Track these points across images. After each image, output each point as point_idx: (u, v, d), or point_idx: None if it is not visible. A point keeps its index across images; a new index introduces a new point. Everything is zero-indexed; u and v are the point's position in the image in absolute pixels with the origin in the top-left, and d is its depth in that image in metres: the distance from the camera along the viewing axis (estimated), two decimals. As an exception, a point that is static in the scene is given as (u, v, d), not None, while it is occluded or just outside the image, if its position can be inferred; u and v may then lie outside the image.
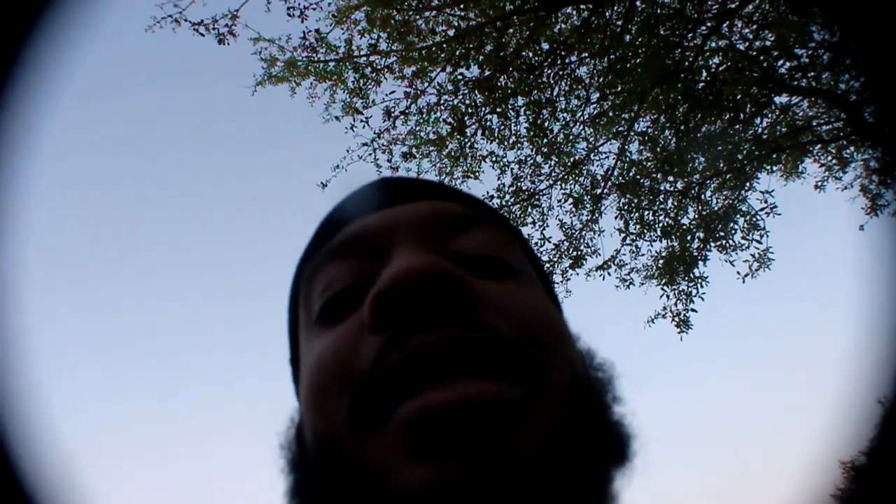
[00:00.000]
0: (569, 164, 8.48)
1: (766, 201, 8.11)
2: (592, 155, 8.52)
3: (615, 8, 7.57)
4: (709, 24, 7.65)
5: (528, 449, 0.43)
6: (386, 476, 0.43)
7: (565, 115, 8.24)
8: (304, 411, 0.53)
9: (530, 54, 7.71)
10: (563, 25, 7.96)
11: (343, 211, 0.65)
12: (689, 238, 8.48)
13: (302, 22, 7.64)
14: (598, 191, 8.53)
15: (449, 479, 0.41)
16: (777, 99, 8.29)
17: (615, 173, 8.45)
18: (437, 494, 0.41)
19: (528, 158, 8.32)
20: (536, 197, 8.52)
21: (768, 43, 7.71)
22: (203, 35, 7.42)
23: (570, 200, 8.55)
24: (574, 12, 7.87)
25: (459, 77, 7.75)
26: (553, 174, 8.52)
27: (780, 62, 7.78)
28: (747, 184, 8.46)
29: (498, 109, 7.78)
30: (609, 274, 8.72)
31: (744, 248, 8.23)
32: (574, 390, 0.50)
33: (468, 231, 0.59)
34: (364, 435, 0.45)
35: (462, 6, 7.70)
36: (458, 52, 7.64)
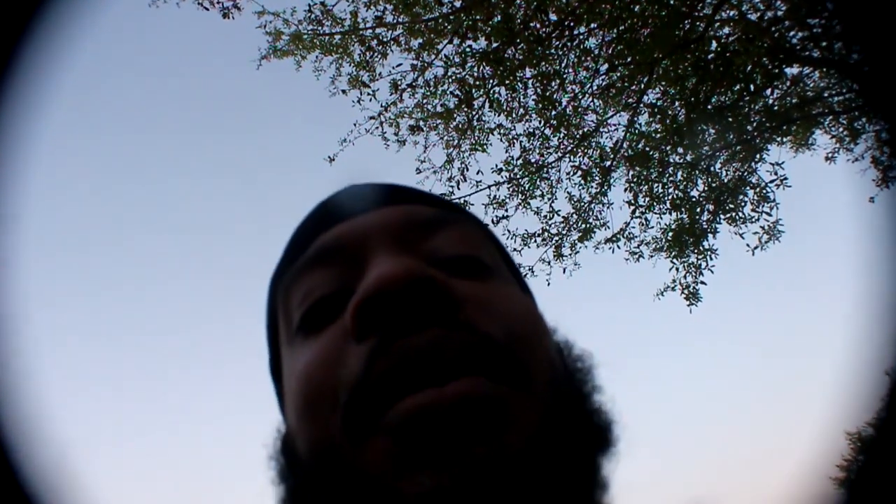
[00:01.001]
0: (577, 136, 8.43)
1: (776, 173, 8.06)
2: (601, 127, 8.46)
3: (624, -23, 7.47)
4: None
5: (516, 445, 0.44)
6: (384, 484, 0.44)
7: (574, 86, 8.17)
8: (295, 422, 0.53)
9: (538, 25, 7.62)
10: (571, -4, 7.87)
11: (315, 221, 0.66)
12: (698, 210, 8.43)
13: (307, -6, 7.57)
14: (608, 163, 8.48)
15: (446, 485, 0.42)
16: (788, 70, 8.20)
17: (624, 145, 8.39)
18: (435, 501, 0.42)
19: (537, 131, 8.28)
20: (545, 169, 8.48)
21: (780, 13, 7.61)
22: (207, 9, 7.37)
23: (579, 173, 8.51)
24: (583, -18, 7.77)
25: (467, 49, 7.68)
26: (562, 147, 8.48)
27: (792, 32, 7.68)
28: (757, 156, 8.39)
29: (506, 82, 7.71)
30: (618, 247, 8.70)
31: (754, 220, 8.19)
32: (554, 384, 0.51)
33: (440, 232, 0.60)
34: (360, 442, 0.46)
35: (469, -23, 7.62)
36: (465, 24, 7.57)
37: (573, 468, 0.48)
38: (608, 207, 8.70)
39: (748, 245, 8.16)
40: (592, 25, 7.80)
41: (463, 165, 8.31)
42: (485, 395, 0.44)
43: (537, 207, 8.56)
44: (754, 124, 8.12)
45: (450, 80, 7.93)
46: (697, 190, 8.57)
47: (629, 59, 7.56)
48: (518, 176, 8.36)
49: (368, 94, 8.08)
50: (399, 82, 7.99)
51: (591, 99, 8.33)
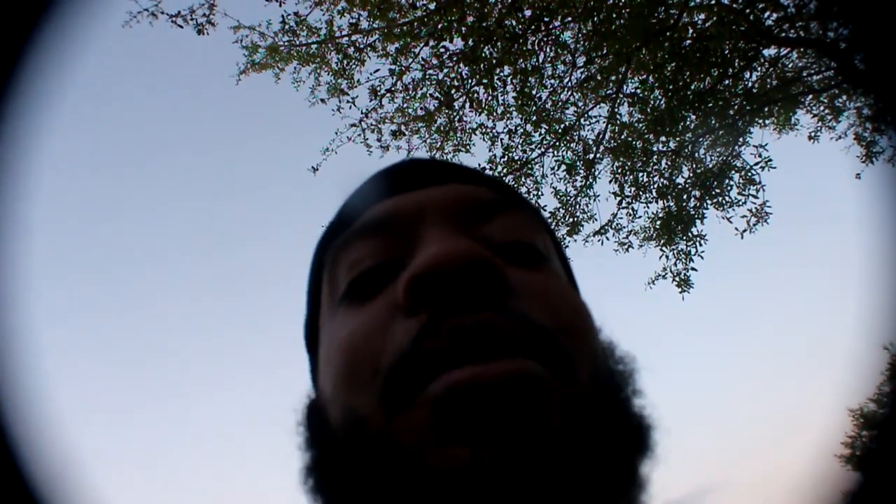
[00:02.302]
0: (559, 130, 8.43)
1: (760, 155, 8.09)
2: (582, 120, 8.48)
3: (596, -31, 7.48)
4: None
5: (558, 429, 0.43)
6: (418, 456, 0.43)
7: (552, 81, 8.19)
8: (330, 389, 0.53)
9: (513, 22, 7.63)
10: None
11: (370, 190, 0.65)
12: (685, 197, 8.46)
13: (280, 6, 7.57)
14: (591, 156, 8.50)
15: (486, 461, 0.41)
16: (765, 51, 8.24)
17: (606, 137, 8.42)
18: (473, 475, 0.41)
19: (518, 128, 8.28)
20: (529, 166, 8.48)
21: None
22: (181, 27, 7.34)
23: (563, 167, 8.51)
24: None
25: (443, 50, 7.68)
26: (544, 142, 8.48)
27: (767, 14, 7.71)
28: (740, 139, 8.43)
29: (484, 81, 7.72)
30: (607, 238, 8.71)
31: (741, 203, 8.22)
32: (598, 378, 0.50)
33: (498, 216, 0.59)
34: (396, 413, 0.45)
35: (441, -22, 7.62)
36: (440, 26, 7.57)
37: (611, 463, 0.47)
38: (594, 200, 8.71)
39: (737, 229, 8.19)
40: (567, 19, 7.82)
41: (447, 167, 8.29)
42: (531, 375, 0.43)
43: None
44: (735, 108, 8.16)
45: (429, 82, 7.93)
46: (683, 177, 8.61)
47: (606, 51, 7.58)
48: (502, 174, 8.36)
49: (348, 101, 8.09)
50: (378, 88, 7.98)
51: (570, 92, 8.35)
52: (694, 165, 8.58)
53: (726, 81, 8.02)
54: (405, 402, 0.45)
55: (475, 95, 7.91)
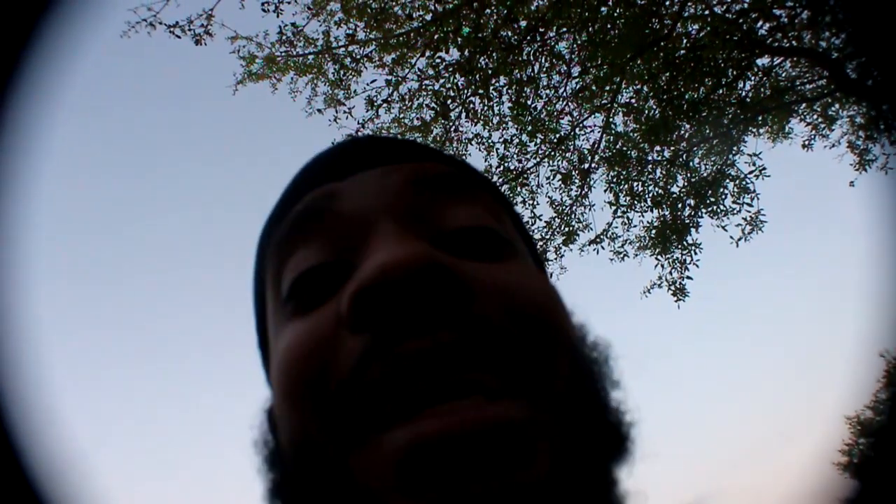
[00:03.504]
0: (555, 140, 8.46)
1: (754, 164, 8.13)
2: (577, 130, 8.50)
3: (591, -20, 7.53)
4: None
5: (534, 477, 0.38)
6: (377, 501, 0.39)
7: (548, 91, 8.21)
8: (277, 407, 0.49)
9: (509, 33, 7.66)
10: (539, 2, 7.91)
11: (309, 174, 0.58)
12: (679, 206, 8.48)
13: (277, 17, 7.58)
14: (586, 165, 8.52)
15: None
16: (759, 61, 8.28)
17: (601, 146, 8.44)
18: None
19: (514, 138, 8.30)
20: (524, 176, 8.50)
21: (746, 4, 7.69)
22: (179, 37, 7.35)
23: (559, 177, 8.54)
24: (550, -13, 7.82)
25: (439, 61, 7.70)
26: (540, 152, 8.50)
27: (760, 24, 7.76)
28: (735, 148, 8.46)
29: (480, 91, 7.73)
30: (602, 248, 8.73)
31: (735, 212, 8.25)
32: (575, 380, 0.46)
33: (453, 196, 0.53)
34: (349, 450, 0.41)
35: (438, -11, 7.65)
36: (436, 37, 7.59)
37: (593, 484, 0.44)
38: (590, 209, 8.73)
39: (732, 237, 8.21)
40: (562, 30, 7.85)
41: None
42: (499, 419, 0.39)
43: (519, 214, 8.56)
44: (729, 117, 8.19)
45: (425, 93, 7.95)
46: (677, 186, 8.64)
47: (600, 61, 7.61)
48: (498, 184, 8.38)
49: (345, 111, 8.09)
50: (375, 98, 7.99)
51: (565, 103, 8.38)
52: (688, 174, 8.61)
53: (720, 91, 8.05)
54: (358, 438, 0.41)
55: (471, 106, 7.92)
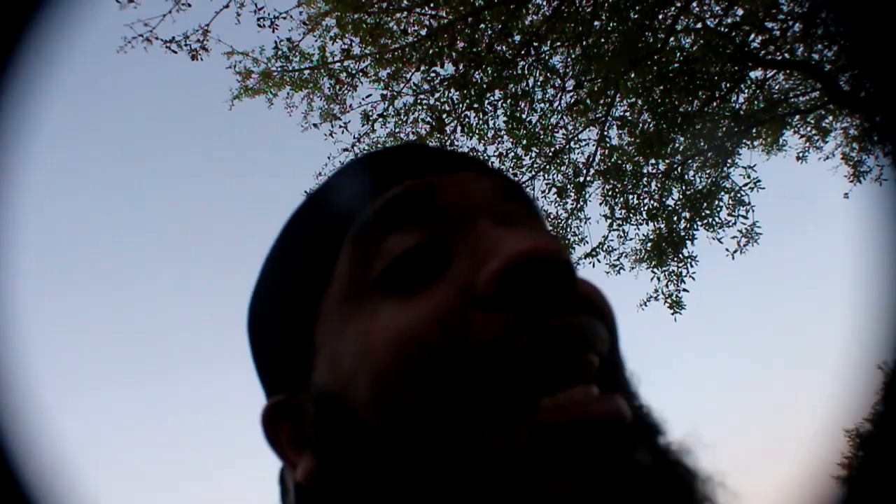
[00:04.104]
0: (549, 153, 8.49)
1: (749, 176, 8.15)
2: (572, 143, 8.53)
3: (584, -5, 7.58)
4: (678, 4, 7.67)
5: (647, 464, 0.43)
6: (520, 481, 0.41)
7: (542, 105, 8.23)
8: (374, 385, 0.46)
9: (503, 48, 7.70)
10: (534, 17, 7.96)
11: (398, 164, 0.58)
12: (675, 219, 8.50)
13: (273, 32, 7.61)
14: (581, 178, 8.54)
15: (586, 498, 0.40)
16: (752, 74, 8.34)
17: (596, 160, 8.47)
18: None
19: (509, 151, 8.32)
20: (520, 189, 8.50)
21: (738, 18, 7.75)
22: (175, 52, 7.37)
23: (554, 190, 8.55)
24: (544, 3, 7.87)
25: (434, 76, 7.74)
26: (535, 165, 8.52)
27: (752, 36, 7.82)
28: (729, 160, 8.49)
29: (475, 105, 7.76)
30: (598, 261, 8.73)
31: (730, 224, 8.27)
32: (628, 380, 0.51)
33: (529, 211, 0.58)
34: (488, 424, 0.42)
35: (432, 5, 7.69)
36: (431, 52, 7.63)
37: (680, 476, 0.47)
38: (585, 222, 8.75)
39: (727, 249, 8.23)
40: (556, 44, 7.90)
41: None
42: (627, 416, 0.43)
43: None
44: (723, 129, 8.23)
45: (420, 107, 7.97)
46: (673, 198, 8.65)
47: (594, 75, 7.65)
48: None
49: (341, 126, 8.11)
50: (370, 113, 8.01)
51: (559, 116, 8.41)
52: (683, 187, 8.64)
53: (714, 104, 8.10)
54: (503, 413, 0.43)
55: (466, 120, 7.95)
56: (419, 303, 0.47)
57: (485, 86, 7.71)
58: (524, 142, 8.21)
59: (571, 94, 8.18)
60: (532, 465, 0.41)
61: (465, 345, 0.44)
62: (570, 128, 8.53)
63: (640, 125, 8.09)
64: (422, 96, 7.93)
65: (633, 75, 7.56)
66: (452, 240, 0.51)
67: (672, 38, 7.65)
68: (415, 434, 0.44)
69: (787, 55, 8.05)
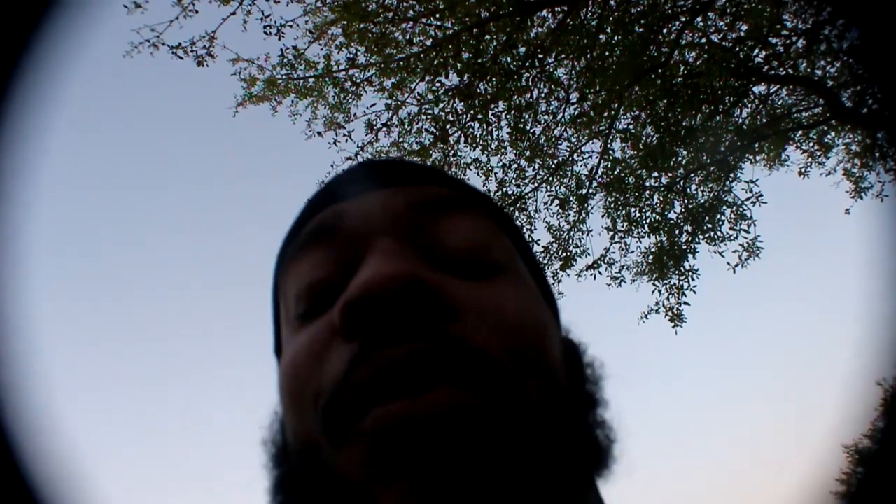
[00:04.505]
0: (553, 165, 8.49)
1: (751, 191, 8.15)
2: (575, 155, 8.53)
3: (589, 8, 7.60)
4: (683, 19, 7.69)
5: (494, 460, 0.42)
6: (361, 491, 0.43)
7: (546, 117, 8.25)
8: (283, 411, 0.53)
9: (508, 59, 7.72)
10: (539, 29, 7.98)
11: (320, 197, 0.62)
12: (677, 232, 8.49)
13: (279, 39, 7.63)
14: (584, 190, 8.54)
15: (422, 497, 0.41)
16: (755, 88, 8.35)
17: (599, 172, 8.47)
18: None
19: (512, 163, 8.33)
20: (522, 200, 8.52)
21: (742, 33, 7.77)
22: (181, 58, 7.40)
23: (557, 202, 8.56)
24: (549, 15, 7.89)
25: (439, 86, 7.76)
26: (538, 177, 8.53)
27: (756, 52, 7.84)
28: (731, 174, 8.49)
29: (479, 116, 7.78)
30: (600, 273, 8.72)
31: (732, 238, 8.26)
32: (550, 398, 0.48)
33: (451, 217, 0.56)
34: (337, 445, 0.45)
35: (438, 16, 7.71)
36: (436, 62, 7.65)
37: (559, 487, 0.46)
38: (587, 234, 8.74)
39: (729, 263, 8.22)
40: (561, 57, 7.92)
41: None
42: (462, 406, 0.43)
43: (521, 231, 8.55)
44: (726, 144, 8.23)
45: (424, 117, 7.99)
46: (675, 212, 8.64)
47: (598, 88, 7.67)
48: (497, 208, 8.37)
49: (344, 135, 8.12)
50: (374, 122, 8.03)
51: (563, 128, 8.41)
52: (686, 200, 8.63)
53: (717, 118, 8.11)
54: (344, 434, 0.45)
55: (470, 130, 7.96)
56: (307, 334, 0.52)
57: (489, 97, 7.73)
58: (527, 153, 8.22)
59: (575, 106, 8.20)
60: (369, 473, 0.43)
61: (323, 377, 0.48)
62: (573, 140, 8.54)
63: (644, 138, 8.10)
64: (426, 106, 7.95)
65: (636, 89, 7.57)
66: (356, 266, 0.52)
67: (676, 53, 7.67)
68: (298, 455, 0.50)
69: (790, 71, 8.07)
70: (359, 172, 0.64)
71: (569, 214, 8.63)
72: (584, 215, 8.64)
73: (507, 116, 8.00)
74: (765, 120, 8.70)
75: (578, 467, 0.50)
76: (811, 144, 9.21)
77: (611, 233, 8.60)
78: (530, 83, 7.93)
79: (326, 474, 0.46)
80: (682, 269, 8.32)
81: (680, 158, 8.33)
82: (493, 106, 7.84)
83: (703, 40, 7.80)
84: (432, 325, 0.46)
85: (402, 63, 7.87)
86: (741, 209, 8.27)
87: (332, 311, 0.51)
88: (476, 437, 0.42)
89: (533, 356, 0.49)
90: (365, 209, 0.56)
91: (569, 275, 8.64)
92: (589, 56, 7.61)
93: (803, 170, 9.32)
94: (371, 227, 0.54)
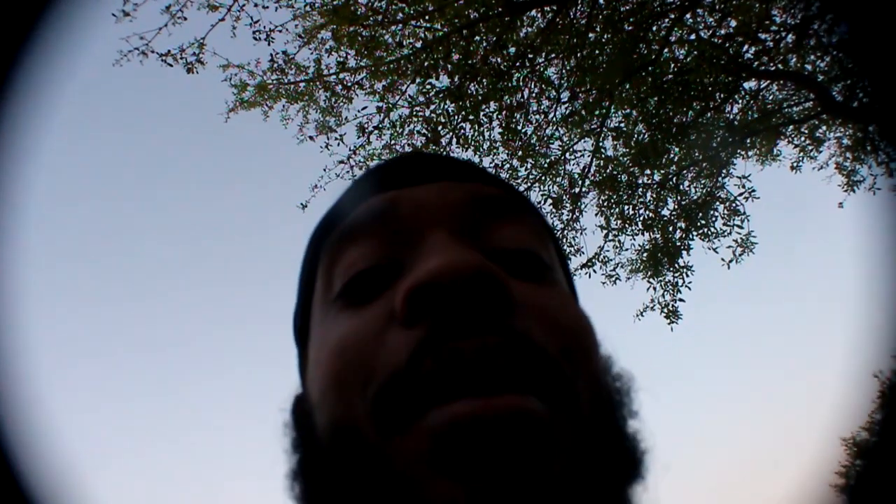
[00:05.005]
0: (545, 165, 8.50)
1: (743, 186, 8.18)
2: (568, 154, 8.55)
3: (579, 7, 7.62)
4: (672, 16, 7.71)
5: (555, 468, 0.42)
6: (411, 484, 0.42)
7: (537, 116, 8.26)
8: (318, 393, 0.51)
9: (498, 60, 7.73)
10: (528, 29, 7.99)
11: (370, 182, 0.61)
12: (670, 229, 8.51)
13: (269, 45, 7.63)
14: (577, 189, 8.56)
15: (478, 500, 0.40)
16: (746, 84, 8.38)
17: (592, 170, 8.48)
18: None
19: (505, 163, 8.33)
20: (516, 200, 8.51)
21: (732, 29, 7.79)
22: (171, 65, 7.39)
23: (550, 201, 8.57)
24: (538, 15, 7.90)
25: (430, 88, 7.76)
26: (530, 176, 8.54)
27: (746, 47, 7.86)
28: (724, 170, 8.52)
29: (470, 117, 7.79)
30: (595, 271, 8.73)
31: (726, 234, 8.28)
32: (597, 407, 0.49)
33: (505, 219, 0.56)
34: (390, 435, 0.44)
35: (427, 17, 7.72)
36: (426, 64, 7.65)
37: (604, 497, 0.46)
38: (581, 233, 8.75)
39: (723, 259, 8.24)
40: (551, 56, 7.93)
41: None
42: (532, 414, 0.42)
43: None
44: (718, 140, 8.26)
45: (416, 119, 7.99)
46: (668, 209, 8.67)
47: (589, 86, 7.68)
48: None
49: (336, 138, 8.12)
50: (366, 125, 8.02)
51: (555, 127, 8.43)
52: (679, 197, 8.66)
53: (708, 114, 8.13)
54: (401, 424, 0.44)
55: (461, 131, 7.96)
56: (359, 318, 0.50)
57: (480, 97, 7.74)
58: (520, 153, 8.23)
59: (566, 105, 8.21)
60: (426, 469, 0.42)
61: (379, 362, 0.46)
62: (565, 139, 8.56)
63: (635, 136, 8.12)
64: (417, 108, 7.95)
65: (627, 86, 7.59)
66: (408, 253, 0.52)
67: (666, 50, 7.69)
68: (335, 439, 0.48)
69: (780, 66, 8.10)
70: (409, 162, 0.63)
71: (562, 213, 8.64)
72: (577, 214, 8.65)
73: (499, 117, 8.01)
74: (756, 115, 8.72)
75: (619, 478, 0.49)
76: (803, 139, 9.25)
77: (604, 231, 8.61)
78: (521, 83, 7.94)
79: (369, 461, 0.44)
80: (676, 265, 8.34)
81: (672, 155, 8.36)
82: (484, 106, 7.85)
83: (693, 37, 7.83)
84: (499, 319, 0.45)
85: (392, 66, 7.86)
86: (734, 205, 8.30)
87: (386, 296, 0.50)
88: (537, 445, 0.41)
89: (583, 357, 0.50)
90: (420, 200, 0.56)
91: (564, 274, 8.64)
92: (579, 55, 7.63)
93: (795, 164, 9.36)
94: (426, 218, 0.54)
